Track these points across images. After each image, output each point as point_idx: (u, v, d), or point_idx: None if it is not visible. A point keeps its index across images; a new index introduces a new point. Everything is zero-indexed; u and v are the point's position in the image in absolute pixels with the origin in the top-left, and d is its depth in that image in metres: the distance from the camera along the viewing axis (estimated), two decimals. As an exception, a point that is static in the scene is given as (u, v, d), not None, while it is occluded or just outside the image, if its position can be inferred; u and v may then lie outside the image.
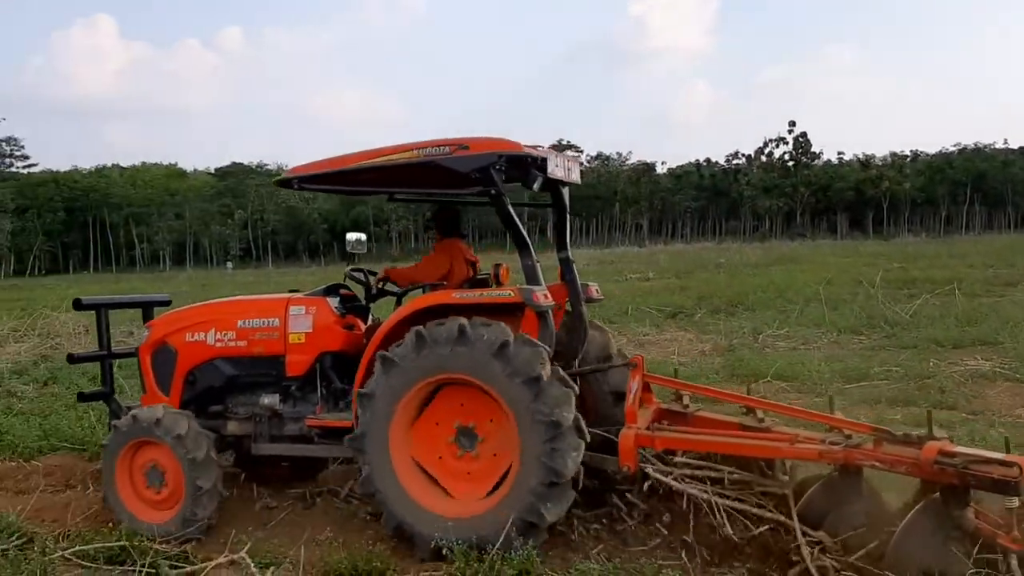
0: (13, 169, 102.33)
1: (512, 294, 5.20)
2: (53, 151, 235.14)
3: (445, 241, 6.41)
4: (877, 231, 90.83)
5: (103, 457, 5.93)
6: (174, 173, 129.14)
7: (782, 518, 4.86)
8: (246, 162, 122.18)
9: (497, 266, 6.12)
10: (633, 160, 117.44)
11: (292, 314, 5.93)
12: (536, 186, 5.40)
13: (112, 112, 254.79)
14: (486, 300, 5.27)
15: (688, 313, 18.19)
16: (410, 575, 4.80)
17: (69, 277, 78.78)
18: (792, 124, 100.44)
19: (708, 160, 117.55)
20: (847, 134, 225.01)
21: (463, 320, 5.01)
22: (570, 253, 6.15)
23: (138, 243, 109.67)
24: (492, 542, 4.78)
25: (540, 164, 5.34)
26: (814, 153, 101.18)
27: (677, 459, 5.27)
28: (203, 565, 4.93)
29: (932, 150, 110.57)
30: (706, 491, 4.99)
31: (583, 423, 4.98)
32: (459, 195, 6.31)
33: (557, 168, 5.52)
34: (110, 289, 42.26)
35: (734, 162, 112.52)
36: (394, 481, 5.14)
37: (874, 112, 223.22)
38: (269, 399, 5.99)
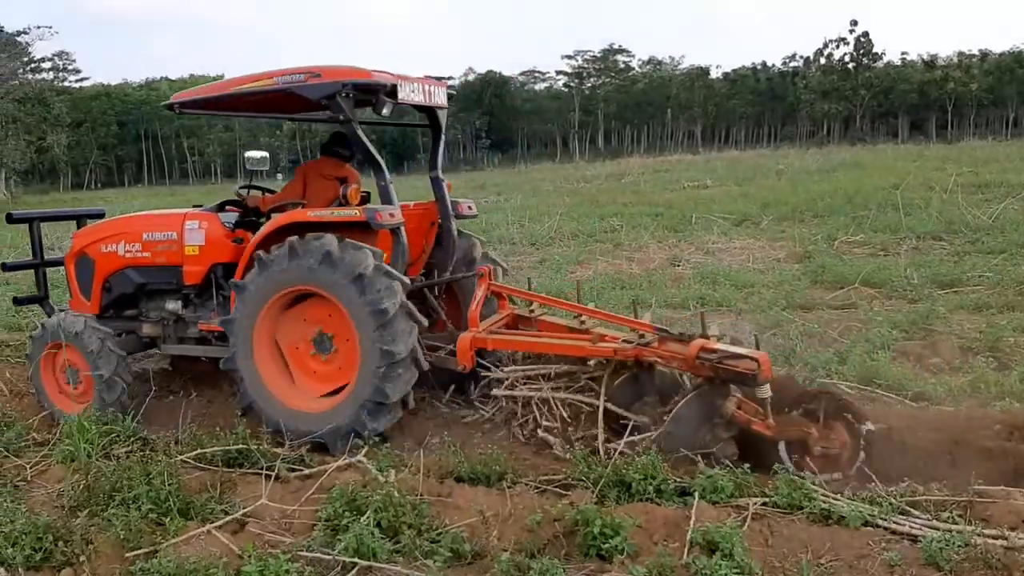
0: (67, 83, 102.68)
1: (358, 213, 5.62)
2: (104, 65, 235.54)
3: (304, 164, 6.86)
4: (940, 135, 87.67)
5: (30, 359, 6.74)
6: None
7: (595, 402, 5.32)
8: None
9: (346, 186, 6.36)
10: (686, 65, 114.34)
11: (187, 228, 6.44)
12: (386, 111, 5.75)
13: (159, 24, 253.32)
14: (335, 219, 5.70)
15: (754, 220, 17.85)
16: (528, 478, 4.82)
17: (125, 190, 79.84)
18: (854, 23, 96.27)
19: (764, 63, 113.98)
20: (912, 33, 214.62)
21: (293, 238, 5.58)
22: (440, 172, 6.57)
23: (189, 156, 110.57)
24: (353, 429, 5.45)
25: (390, 90, 5.72)
26: (876, 54, 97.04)
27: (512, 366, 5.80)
28: (322, 468, 5.00)
29: (1002, 48, 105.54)
30: (539, 388, 5.54)
31: (413, 308, 5.57)
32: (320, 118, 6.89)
33: (413, 94, 5.97)
34: (165, 201, 42.81)
35: (791, 65, 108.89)
36: (258, 379, 5.82)
37: (941, 8, 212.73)
38: (172, 305, 6.67)
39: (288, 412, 5.71)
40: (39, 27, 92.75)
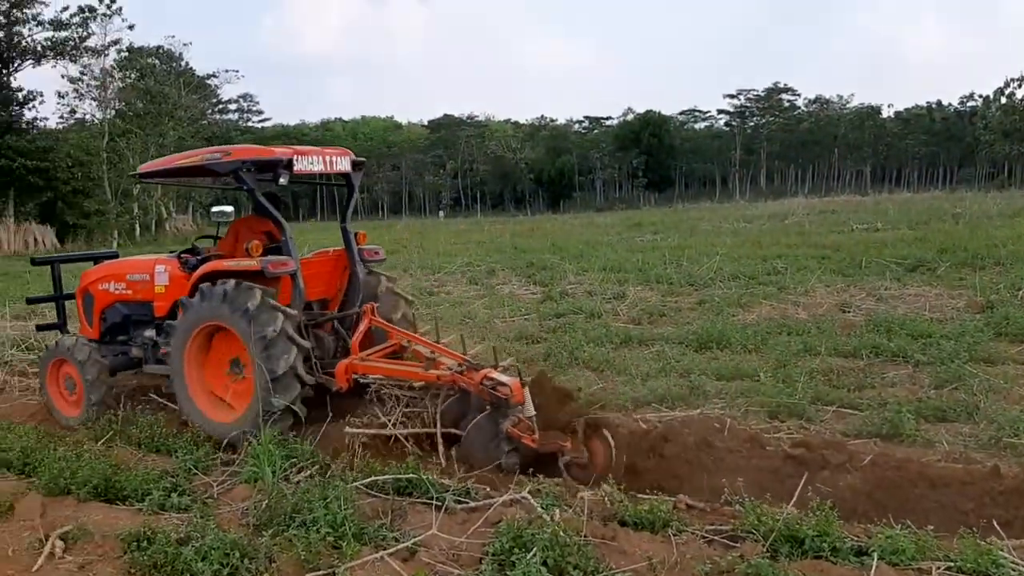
0: (250, 124, 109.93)
1: (255, 263, 6.75)
2: (283, 106, 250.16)
3: (237, 221, 8.06)
4: None
5: (39, 368, 8.36)
6: (391, 126, 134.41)
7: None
8: (456, 114, 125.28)
9: (249, 242, 7.10)
10: (855, 103, 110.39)
11: (156, 271, 7.80)
12: (283, 180, 6.98)
13: (334, 68, 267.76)
14: (239, 268, 6.87)
15: (930, 266, 16.92)
16: (695, 527, 4.74)
17: (299, 224, 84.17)
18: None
19: (939, 103, 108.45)
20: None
21: (204, 284, 6.85)
22: (348, 224, 7.74)
23: (358, 192, 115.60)
24: (252, 433, 6.34)
25: (286, 164, 6.91)
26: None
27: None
28: (487, 502, 5.10)
29: None
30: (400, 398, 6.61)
31: (294, 334, 6.60)
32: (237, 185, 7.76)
33: (311, 164, 7.12)
34: (335, 236, 44.85)
35: (969, 104, 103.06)
36: (190, 403, 7.06)
37: None
38: (149, 332, 7.91)
39: (211, 424, 6.94)
40: (227, 71, 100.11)
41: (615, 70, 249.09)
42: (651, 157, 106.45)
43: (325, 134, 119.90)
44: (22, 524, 5.17)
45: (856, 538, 4.34)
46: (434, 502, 5.12)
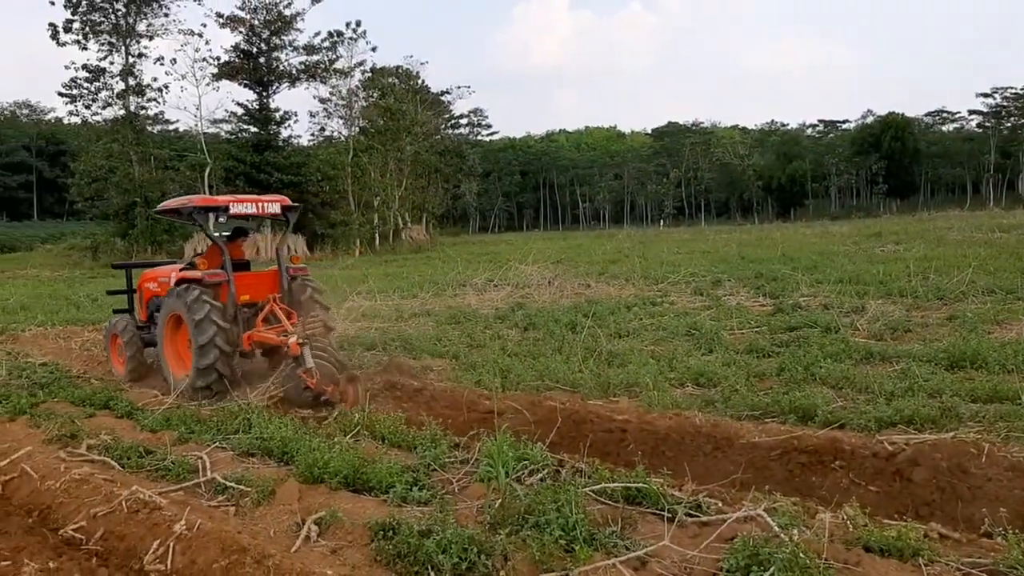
0: (479, 137, 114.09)
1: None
2: (510, 119, 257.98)
3: (212, 246, 10.56)
4: None
5: (104, 338, 12.40)
6: (614, 135, 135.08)
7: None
8: (681, 121, 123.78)
9: (197, 259, 10.45)
10: None
11: (171, 276, 10.55)
12: (222, 219, 10.28)
13: (560, 80, 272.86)
14: (191, 276, 9.88)
15: None
16: (949, 558, 4.37)
17: (524, 234, 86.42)
18: None
19: None
20: None
21: (180, 286, 9.82)
22: (282, 248, 10.53)
23: (581, 202, 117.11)
24: (187, 391, 9.57)
25: (224, 208, 10.05)
26: None
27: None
28: (720, 517, 4.98)
29: None
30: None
31: (221, 342, 9.45)
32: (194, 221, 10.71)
33: (244, 208, 10.16)
34: (557, 245, 45.73)
35: None
36: (165, 360, 10.36)
37: None
38: None
39: (173, 376, 10.08)
40: (459, 87, 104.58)
41: (852, 70, 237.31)
42: (892, 162, 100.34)
43: (549, 145, 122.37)
44: (282, 508, 5.64)
45: None
46: (665, 514, 5.06)
